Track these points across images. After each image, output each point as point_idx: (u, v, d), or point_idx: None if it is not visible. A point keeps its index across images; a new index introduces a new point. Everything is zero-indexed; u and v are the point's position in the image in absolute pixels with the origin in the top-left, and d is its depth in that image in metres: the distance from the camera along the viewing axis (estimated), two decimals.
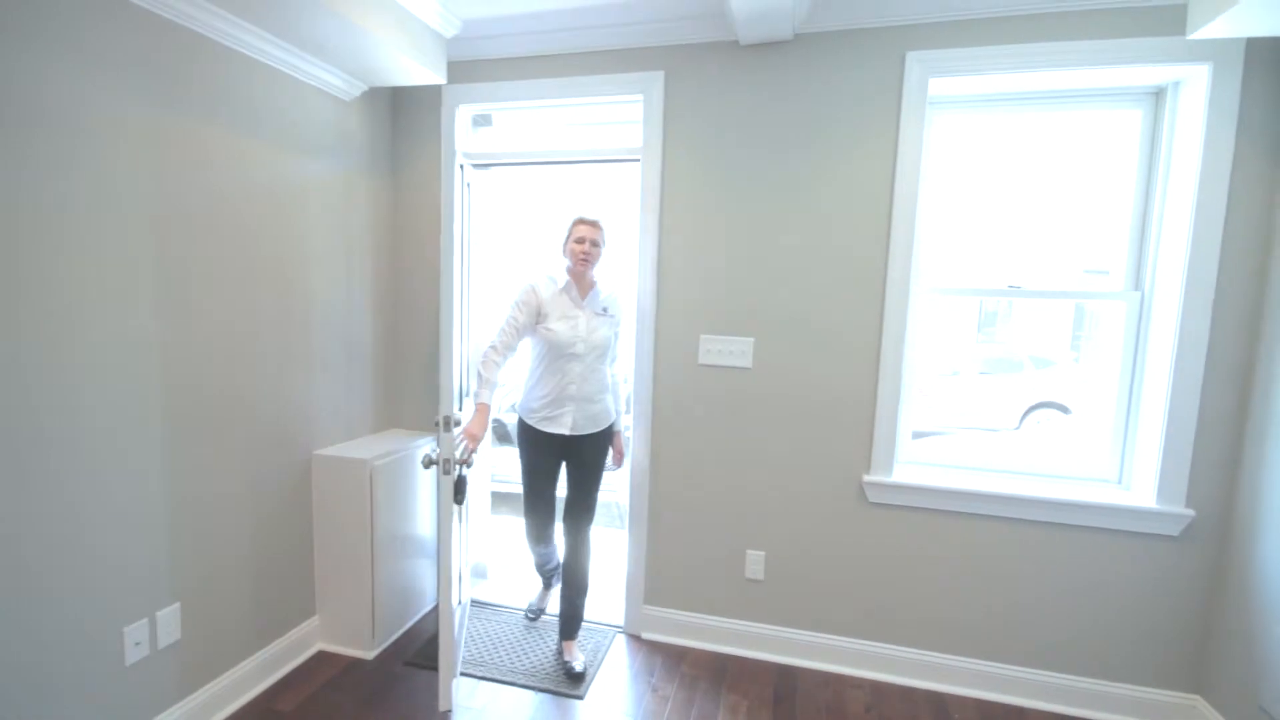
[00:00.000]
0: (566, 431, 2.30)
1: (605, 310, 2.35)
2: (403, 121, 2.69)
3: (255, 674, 2.15)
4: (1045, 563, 2.21)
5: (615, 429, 2.46)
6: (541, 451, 2.36)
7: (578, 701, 2.18)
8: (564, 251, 2.33)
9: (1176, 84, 2.08)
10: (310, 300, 2.31)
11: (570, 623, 2.41)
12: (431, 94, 2.63)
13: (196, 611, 1.94)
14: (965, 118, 2.29)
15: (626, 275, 2.55)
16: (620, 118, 2.62)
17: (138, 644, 1.76)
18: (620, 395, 2.50)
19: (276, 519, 2.22)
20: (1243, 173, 1.94)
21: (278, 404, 2.20)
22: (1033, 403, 5.12)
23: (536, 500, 2.42)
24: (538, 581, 2.77)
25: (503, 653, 2.43)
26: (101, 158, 1.60)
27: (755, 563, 2.47)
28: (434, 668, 2.32)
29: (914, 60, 2.14)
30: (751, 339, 2.39)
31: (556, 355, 2.28)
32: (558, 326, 2.26)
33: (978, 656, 2.29)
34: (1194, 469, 2.05)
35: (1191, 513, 2.05)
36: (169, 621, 1.85)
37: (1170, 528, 2.08)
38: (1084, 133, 2.24)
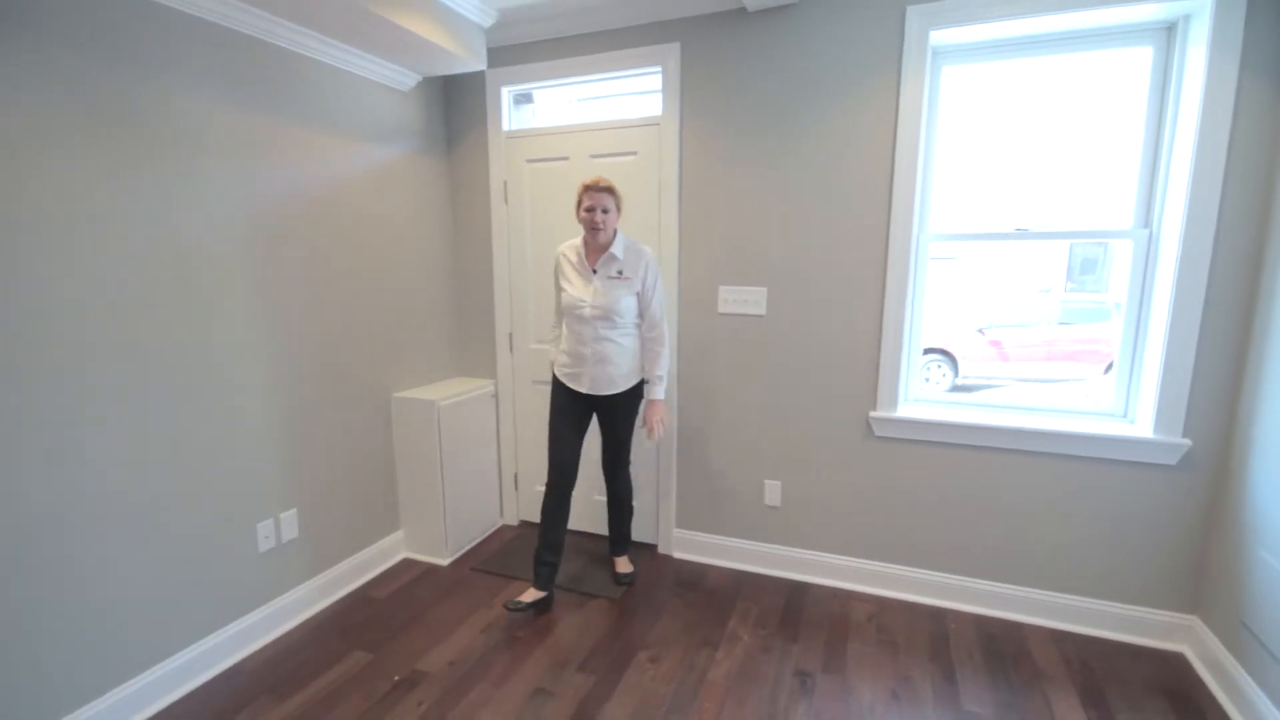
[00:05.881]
0: (585, 390, 2.43)
1: (620, 274, 2.35)
2: (453, 105, 3.03)
3: (354, 570, 2.68)
4: (1046, 492, 2.35)
5: (651, 397, 2.44)
6: (566, 399, 2.47)
7: (616, 601, 2.57)
8: (578, 219, 2.36)
9: (1187, 17, 2.07)
10: (383, 269, 2.73)
11: (619, 542, 2.75)
12: (476, 78, 2.95)
13: (309, 517, 2.45)
14: (976, 67, 2.35)
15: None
16: (644, 88, 2.83)
17: (267, 537, 2.28)
18: (658, 359, 2.43)
19: (366, 449, 2.71)
20: (1246, 107, 1.95)
21: (362, 355, 2.65)
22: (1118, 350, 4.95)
23: (556, 442, 2.47)
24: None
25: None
26: (226, 164, 2.04)
27: (773, 491, 2.74)
28: (496, 573, 2.78)
29: (913, 13, 2.23)
30: (765, 288, 2.61)
31: (569, 316, 2.41)
32: (567, 288, 2.40)
33: (978, 576, 2.48)
34: (1191, 401, 2.12)
35: (1188, 442, 2.13)
36: (289, 522, 2.36)
37: (1167, 456, 2.17)
38: (1096, 73, 2.25)
